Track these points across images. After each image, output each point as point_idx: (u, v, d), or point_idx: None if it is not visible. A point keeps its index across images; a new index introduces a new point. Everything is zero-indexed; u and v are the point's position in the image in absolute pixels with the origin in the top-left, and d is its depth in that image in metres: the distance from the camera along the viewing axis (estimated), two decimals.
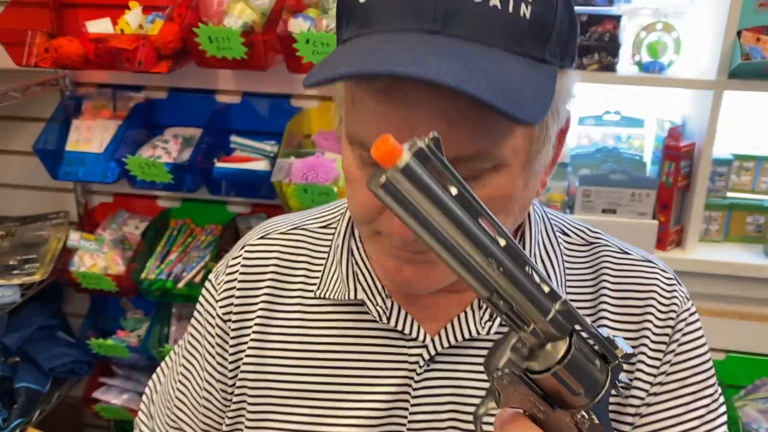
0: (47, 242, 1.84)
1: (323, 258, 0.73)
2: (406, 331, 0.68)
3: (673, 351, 0.68)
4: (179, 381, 0.79)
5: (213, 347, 0.74)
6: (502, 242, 0.41)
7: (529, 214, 0.70)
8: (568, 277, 0.70)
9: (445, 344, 0.67)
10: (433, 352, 0.67)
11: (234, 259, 0.75)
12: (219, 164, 1.69)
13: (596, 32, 1.67)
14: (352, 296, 0.69)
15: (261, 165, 1.68)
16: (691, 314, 0.70)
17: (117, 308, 2.07)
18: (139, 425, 0.84)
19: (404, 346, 0.69)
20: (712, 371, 0.71)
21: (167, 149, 1.74)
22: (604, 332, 0.47)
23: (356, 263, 0.70)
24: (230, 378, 0.73)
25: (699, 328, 0.71)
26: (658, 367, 0.68)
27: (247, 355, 0.72)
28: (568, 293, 0.69)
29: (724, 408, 0.71)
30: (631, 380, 0.67)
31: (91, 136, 1.81)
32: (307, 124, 1.82)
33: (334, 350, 0.70)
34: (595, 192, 1.73)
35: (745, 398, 1.79)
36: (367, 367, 0.69)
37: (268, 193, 1.71)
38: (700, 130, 1.73)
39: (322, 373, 0.70)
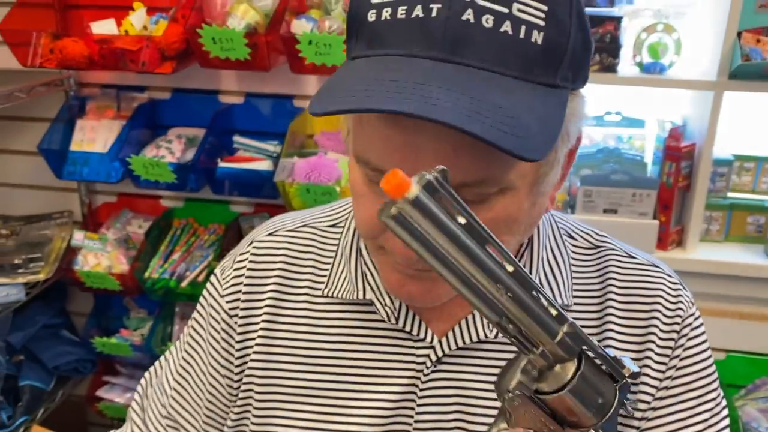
0: (51, 241, 1.85)
1: (331, 257, 0.73)
2: (414, 331, 0.68)
3: (678, 356, 0.69)
4: (179, 374, 0.78)
5: (218, 342, 0.74)
6: (510, 268, 0.43)
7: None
8: (574, 281, 0.71)
9: (453, 346, 0.68)
10: (440, 354, 0.68)
11: (242, 255, 0.75)
12: (222, 164, 1.71)
13: (597, 33, 1.68)
14: (360, 296, 0.69)
15: (264, 165, 1.70)
16: (695, 319, 0.70)
17: (120, 307, 2.08)
18: (131, 416, 0.83)
19: (412, 347, 0.69)
20: (716, 375, 0.72)
21: (171, 149, 1.75)
22: (611, 352, 0.49)
23: (365, 263, 0.70)
24: (236, 374, 0.73)
25: (703, 333, 0.71)
26: (663, 372, 0.69)
27: (254, 352, 0.72)
28: (574, 297, 0.70)
29: (726, 411, 0.72)
30: (637, 383, 0.68)
31: (95, 136, 1.82)
32: (310, 124, 1.83)
33: (341, 349, 0.71)
34: (596, 192, 1.74)
35: (745, 398, 1.80)
36: (374, 367, 0.70)
37: (270, 193, 1.72)
38: (701, 130, 1.73)
39: (329, 371, 0.71)
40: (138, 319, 2.05)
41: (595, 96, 1.85)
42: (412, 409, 0.68)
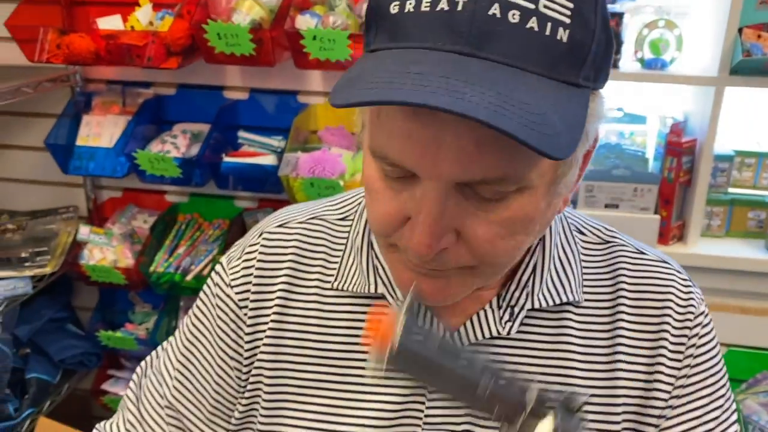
0: (57, 236, 1.87)
1: (340, 250, 0.72)
2: (426, 326, 0.68)
3: (692, 354, 0.69)
4: (182, 364, 0.77)
5: (227, 334, 0.73)
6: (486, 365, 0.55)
7: None
8: (585, 277, 0.71)
9: (465, 342, 0.68)
10: None
11: (251, 246, 0.74)
12: (227, 159, 1.72)
13: None
14: (372, 290, 0.69)
15: (268, 160, 1.71)
16: (705, 316, 0.71)
17: (125, 302, 2.10)
18: (126, 405, 0.81)
19: None
20: (725, 370, 0.72)
21: (176, 144, 1.76)
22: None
23: (376, 257, 0.70)
24: (245, 366, 0.72)
25: (713, 329, 0.71)
26: (679, 369, 0.69)
27: (264, 344, 0.72)
28: (585, 293, 0.70)
29: (734, 406, 0.73)
30: (651, 381, 0.68)
31: (101, 131, 1.84)
32: (314, 119, 1.84)
33: (351, 342, 0.70)
34: (598, 187, 1.75)
35: (746, 392, 1.81)
36: None
37: (274, 188, 1.74)
38: (702, 126, 1.75)
39: (339, 364, 0.70)
40: (143, 314, 2.06)
41: None
42: (423, 404, 0.68)
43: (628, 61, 1.75)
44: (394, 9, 0.51)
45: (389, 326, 0.52)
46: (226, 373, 0.74)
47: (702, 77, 1.71)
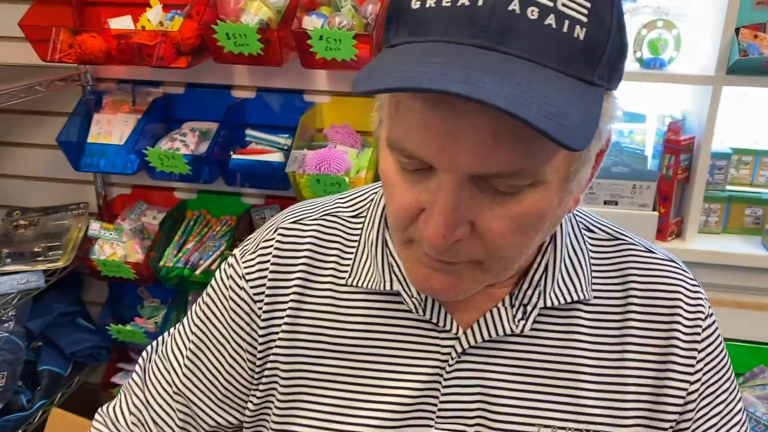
0: (69, 231, 1.90)
1: (354, 246, 0.73)
2: (440, 323, 0.69)
3: (704, 360, 0.71)
4: (192, 353, 0.78)
5: (241, 327, 0.74)
6: None
7: None
8: (594, 274, 0.72)
9: (479, 339, 0.69)
10: (465, 345, 0.69)
11: (266, 241, 0.75)
12: (235, 156, 1.76)
13: None
14: (387, 287, 0.70)
15: (275, 157, 1.75)
16: (711, 316, 0.73)
17: (134, 297, 2.13)
18: (132, 389, 0.82)
19: (437, 338, 0.70)
20: (731, 367, 0.75)
21: (185, 142, 1.80)
22: None
23: (390, 254, 0.71)
24: (260, 358, 0.74)
25: (717, 328, 0.73)
26: (693, 365, 0.70)
27: (280, 338, 0.72)
28: (594, 290, 0.71)
29: (741, 401, 0.75)
30: (661, 386, 0.70)
31: (111, 129, 1.88)
32: (320, 118, 1.88)
33: (366, 337, 0.71)
34: (598, 184, 1.79)
35: (743, 385, 1.84)
36: (399, 356, 0.70)
37: (281, 185, 1.77)
38: (700, 124, 1.78)
39: (353, 358, 0.71)
40: (151, 308, 2.10)
41: None
42: (436, 398, 0.69)
43: (627, 60, 1.79)
44: (415, 5, 0.52)
45: None
46: (239, 363, 0.75)
47: (700, 76, 1.74)
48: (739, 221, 1.89)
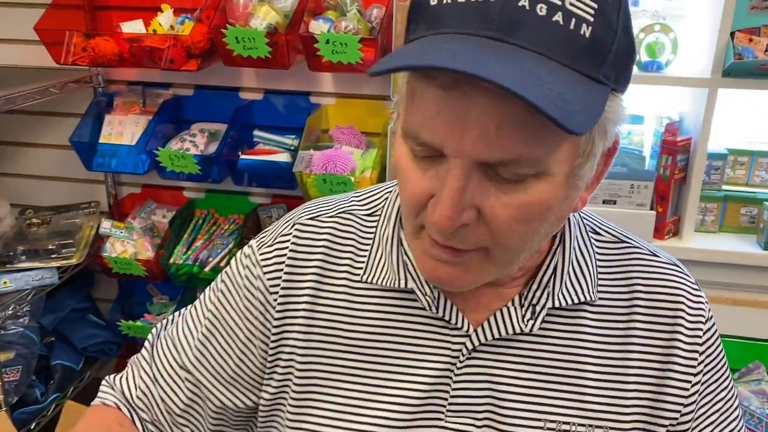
0: (81, 229, 1.96)
1: (368, 244, 0.75)
2: (452, 320, 0.71)
3: (704, 362, 0.73)
4: (204, 336, 0.80)
5: (255, 317, 0.76)
6: None
7: (569, 217, 0.73)
8: (600, 276, 0.74)
9: (489, 337, 0.71)
10: (476, 343, 0.71)
11: (284, 235, 0.77)
12: (244, 156, 1.81)
13: None
14: (402, 284, 0.72)
15: (283, 157, 1.80)
16: (711, 319, 0.75)
17: (143, 293, 2.19)
18: (141, 364, 0.83)
19: (448, 335, 0.72)
20: (728, 367, 0.77)
21: (195, 142, 1.85)
22: None
23: (405, 253, 0.73)
24: (272, 348, 0.75)
25: (716, 328, 0.76)
26: (694, 366, 0.73)
27: (296, 331, 0.74)
28: (600, 292, 0.73)
29: (738, 401, 0.78)
30: (663, 378, 0.72)
31: (122, 130, 1.93)
32: (325, 119, 1.93)
33: (380, 333, 0.73)
34: None
35: (739, 380, 1.88)
36: (412, 351, 0.72)
37: (288, 184, 1.82)
38: (696, 125, 1.82)
39: (367, 353, 0.73)
40: (160, 305, 2.15)
41: None
42: (447, 393, 0.71)
43: None
44: (433, 1, 0.56)
45: None
46: (249, 350, 0.77)
47: (696, 79, 1.78)
48: (735, 220, 1.93)
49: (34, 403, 1.81)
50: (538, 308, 0.71)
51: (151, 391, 0.81)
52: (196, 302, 0.84)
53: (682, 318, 0.73)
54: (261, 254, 0.77)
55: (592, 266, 0.73)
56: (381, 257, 0.74)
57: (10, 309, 1.68)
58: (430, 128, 0.56)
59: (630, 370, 0.72)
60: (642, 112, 1.96)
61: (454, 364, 0.71)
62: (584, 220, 0.76)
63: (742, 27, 1.74)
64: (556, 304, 0.71)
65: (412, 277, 0.72)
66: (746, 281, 1.87)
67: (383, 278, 0.73)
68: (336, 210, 0.78)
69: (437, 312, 0.71)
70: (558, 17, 0.52)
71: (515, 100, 0.49)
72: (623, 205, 1.85)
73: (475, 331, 0.71)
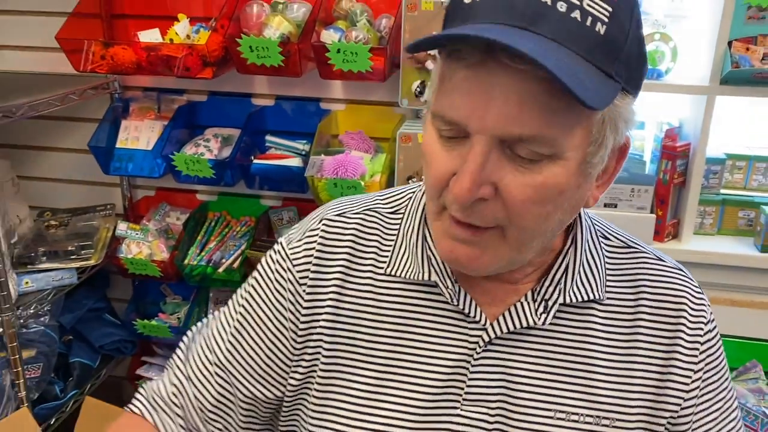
0: (98, 231, 2.02)
1: (392, 239, 0.81)
2: (471, 313, 0.76)
3: (704, 360, 0.78)
4: (237, 330, 0.83)
5: (284, 307, 0.81)
6: None
7: (581, 220, 0.78)
8: (608, 278, 0.79)
9: (504, 330, 0.75)
10: (492, 335, 0.75)
11: (312, 230, 0.82)
12: (257, 161, 1.87)
13: None
14: (426, 277, 0.77)
15: (294, 162, 1.86)
16: (713, 320, 0.80)
17: (157, 293, 2.25)
18: (176, 363, 0.88)
19: (466, 327, 0.76)
20: (727, 367, 0.82)
21: (209, 147, 1.91)
22: None
23: (429, 249, 0.77)
24: (300, 335, 0.80)
25: (717, 330, 0.81)
26: (695, 363, 0.78)
27: (324, 320, 0.79)
28: (608, 292, 0.78)
29: (736, 402, 0.83)
30: (665, 381, 0.77)
31: (138, 135, 1.99)
32: (335, 124, 1.99)
33: (402, 323, 0.78)
34: None
35: (736, 379, 1.93)
36: (431, 342, 0.77)
37: (299, 188, 1.88)
38: (695, 131, 1.88)
39: (390, 342, 0.78)
40: (173, 304, 2.21)
41: None
42: (463, 382, 0.76)
43: None
44: (467, 0, 0.63)
45: None
46: (280, 341, 0.81)
47: (695, 86, 1.83)
48: (732, 223, 1.98)
49: (54, 399, 1.88)
50: (550, 303, 0.76)
51: (185, 389, 0.85)
52: (229, 302, 0.88)
53: (685, 318, 0.78)
54: (290, 249, 0.82)
55: (602, 267, 0.79)
56: (404, 252, 0.79)
57: (32, 308, 1.74)
58: (456, 106, 0.62)
59: (636, 366, 0.77)
60: (642, 118, 2.01)
61: (471, 356, 0.76)
62: (594, 226, 0.82)
63: (739, 36, 1.79)
64: (567, 300, 0.76)
65: (436, 271, 0.77)
66: (744, 282, 1.92)
67: (407, 271, 0.78)
68: (361, 207, 0.84)
69: (458, 305, 0.76)
70: (576, 14, 0.59)
71: (536, 80, 0.56)
72: (624, 209, 1.91)
73: (491, 324, 0.76)
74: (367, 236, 0.82)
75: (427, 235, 0.78)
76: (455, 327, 0.77)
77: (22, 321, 1.69)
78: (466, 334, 0.77)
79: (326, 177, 1.74)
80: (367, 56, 1.67)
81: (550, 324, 0.77)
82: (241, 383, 0.83)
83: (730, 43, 1.78)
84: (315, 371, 0.80)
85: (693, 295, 0.79)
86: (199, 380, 0.84)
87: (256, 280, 0.85)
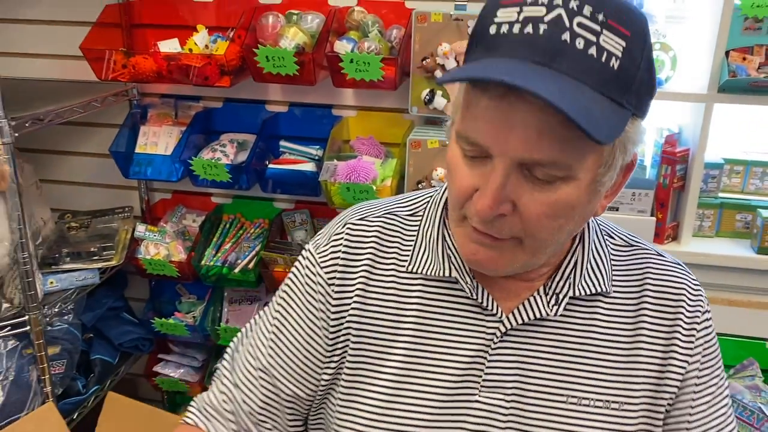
0: (118, 233, 2.09)
1: (412, 240, 0.87)
2: (488, 307, 0.82)
3: (701, 345, 0.84)
4: (274, 334, 0.90)
5: (315, 307, 0.87)
6: None
7: (588, 222, 0.84)
8: (614, 272, 0.85)
9: (519, 321, 0.81)
10: (508, 326, 0.81)
11: (337, 234, 0.89)
12: (272, 165, 1.94)
13: None
14: (447, 274, 0.83)
15: (308, 167, 1.92)
16: (709, 311, 0.86)
17: (173, 293, 2.31)
18: (223, 372, 0.94)
19: (483, 320, 0.82)
20: (720, 354, 0.87)
21: (225, 152, 1.98)
22: None
23: (449, 248, 0.84)
24: (332, 332, 0.86)
25: (711, 320, 0.86)
26: (691, 354, 0.83)
27: (350, 314, 0.85)
28: (614, 285, 0.84)
29: (728, 390, 0.88)
30: (666, 359, 0.83)
31: (157, 140, 2.06)
32: (346, 130, 2.06)
33: (424, 317, 0.84)
34: None
35: (733, 376, 2.00)
36: (451, 333, 0.83)
37: (312, 192, 1.95)
38: (694, 137, 1.94)
39: (413, 335, 0.83)
40: (189, 304, 2.28)
41: None
42: (481, 371, 0.82)
43: None
44: (492, 31, 0.68)
45: None
46: (315, 339, 0.87)
47: (693, 94, 1.88)
48: (730, 226, 2.04)
49: (77, 395, 1.95)
50: (560, 296, 0.82)
51: (234, 395, 0.91)
52: (266, 308, 0.95)
53: (683, 308, 0.84)
54: (318, 253, 0.89)
55: (608, 263, 0.85)
56: (424, 251, 0.85)
57: (57, 307, 1.81)
58: (481, 131, 0.68)
59: (641, 352, 0.83)
60: (643, 124, 2.07)
61: (489, 346, 0.82)
62: (600, 226, 0.88)
63: (736, 46, 1.85)
64: (577, 293, 0.82)
65: (456, 268, 0.83)
66: (741, 283, 1.97)
67: (428, 268, 0.84)
68: (382, 211, 0.91)
69: (476, 299, 0.82)
70: (593, 51, 0.64)
71: (553, 112, 0.61)
72: (625, 212, 1.97)
73: (507, 317, 0.82)
74: (389, 237, 0.88)
75: (446, 235, 0.84)
76: (474, 319, 0.83)
77: (47, 319, 1.76)
78: (484, 326, 0.83)
79: (339, 181, 1.81)
80: (378, 66, 1.74)
81: (561, 316, 0.83)
82: (283, 384, 0.89)
83: (727, 53, 1.84)
84: (343, 364, 0.86)
85: (691, 287, 0.86)
86: (245, 386, 0.90)
87: (289, 287, 0.91)
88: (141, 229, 2.09)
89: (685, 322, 0.84)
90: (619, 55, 0.65)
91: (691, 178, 1.94)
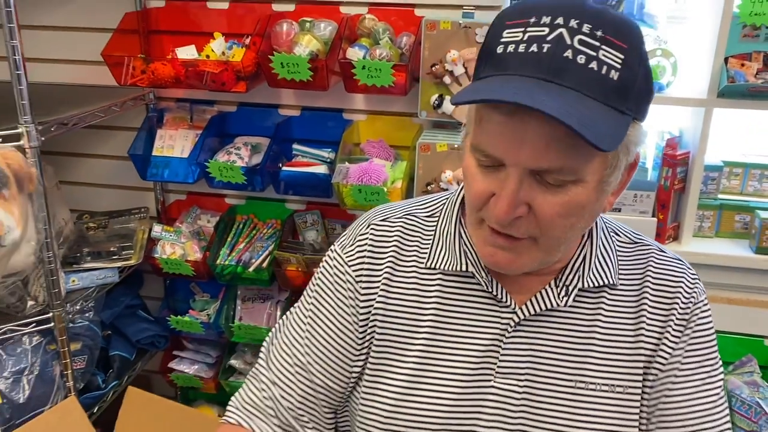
0: (135, 233, 2.15)
1: (430, 238, 0.94)
2: (503, 299, 0.88)
3: (691, 328, 0.89)
4: (308, 332, 0.95)
5: (345, 303, 0.94)
6: None
7: (596, 221, 0.90)
8: (619, 266, 0.91)
9: (531, 311, 0.88)
10: (521, 316, 0.88)
11: (361, 235, 0.96)
12: (285, 168, 2.00)
13: None
14: (463, 268, 0.89)
15: (321, 169, 1.99)
16: (705, 304, 0.92)
17: (187, 291, 2.37)
18: (260, 370, 0.99)
19: (498, 311, 0.89)
20: (716, 346, 0.92)
21: (240, 155, 2.04)
22: None
23: (465, 244, 0.90)
24: (361, 325, 0.93)
25: (709, 312, 0.92)
26: (680, 338, 0.89)
27: (375, 308, 0.92)
28: (619, 278, 0.90)
29: (722, 375, 0.92)
30: (658, 345, 0.88)
31: (173, 143, 2.12)
32: (357, 134, 2.12)
33: (443, 309, 0.90)
34: None
35: (732, 372, 2.06)
36: (468, 324, 0.89)
37: (324, 194, 2.01)
38: (694, 141, 2.00)
39: (432, 325, 0.90)
40: (203, 302, 2.34)
41: None
42: (497, 358, 0.88)
43: None
44: (499, 50, 0.74)
45: None
46: (347, 334, 0.93)
47: (693, 99, 1.95)
48: (729, 227, 2.10)
49: (97, 390, 2.01)
50: (570, 288, 0.89)
51: (273, 392, 0.97)
52: (296, 307, 1.00)
53: (679, 299, 0.89)
54: (345, 253, 0.96)
55: (614, 257, 0.91)
56: (442, 248, 0.92)
57: (78, 305, 1.88)
58: (494, 144, 0.75)
59: (641, 338, 0.89)
60: (645, 127, 2.13)
61: (503, 335, 0.88)
62: (606, 224, 0.95)
63: (734, 53, 1.92)
64: (586, 285, 0.88)
65: (472, 263, 0.89)
66: (740, 282, 2.04)
67: (446, 264, 0.91)
68: (402, 213, 0.98)
69: (491, 291, 0.88)
70: (593, 65, 0.70)
71: (560, 125, 0.66)
72: (627, 213, 2.03)
73: (520, 308, 0.89)
74: (410, 236, 0.95)
75: (462, 233, 0.91)
76: (489, 311, 0.89)
77: (70, 316, 1.82)
78: (499, 317, 0.89)
79: (352, 183, 1.87)
80: (389, 72, 1.80)
81: (570, 306, 0.89)
82: (319, 378, 0.94)
83: (726, 60, 1.90)
84: (369, 354, 0.92)
85: (689, 279, 0.92)
86: (283, 382, 0.96)
87: (319, 287, 0.98)
88: (158, 229, 2.15)
89: (678, 312, 0.89)
90: (618, 66, 0.71)
91: (692, 180, 2.01)
